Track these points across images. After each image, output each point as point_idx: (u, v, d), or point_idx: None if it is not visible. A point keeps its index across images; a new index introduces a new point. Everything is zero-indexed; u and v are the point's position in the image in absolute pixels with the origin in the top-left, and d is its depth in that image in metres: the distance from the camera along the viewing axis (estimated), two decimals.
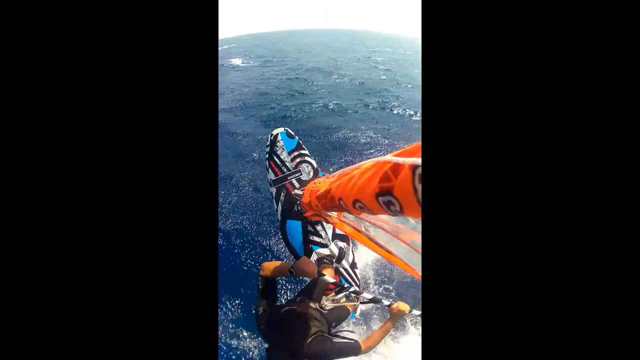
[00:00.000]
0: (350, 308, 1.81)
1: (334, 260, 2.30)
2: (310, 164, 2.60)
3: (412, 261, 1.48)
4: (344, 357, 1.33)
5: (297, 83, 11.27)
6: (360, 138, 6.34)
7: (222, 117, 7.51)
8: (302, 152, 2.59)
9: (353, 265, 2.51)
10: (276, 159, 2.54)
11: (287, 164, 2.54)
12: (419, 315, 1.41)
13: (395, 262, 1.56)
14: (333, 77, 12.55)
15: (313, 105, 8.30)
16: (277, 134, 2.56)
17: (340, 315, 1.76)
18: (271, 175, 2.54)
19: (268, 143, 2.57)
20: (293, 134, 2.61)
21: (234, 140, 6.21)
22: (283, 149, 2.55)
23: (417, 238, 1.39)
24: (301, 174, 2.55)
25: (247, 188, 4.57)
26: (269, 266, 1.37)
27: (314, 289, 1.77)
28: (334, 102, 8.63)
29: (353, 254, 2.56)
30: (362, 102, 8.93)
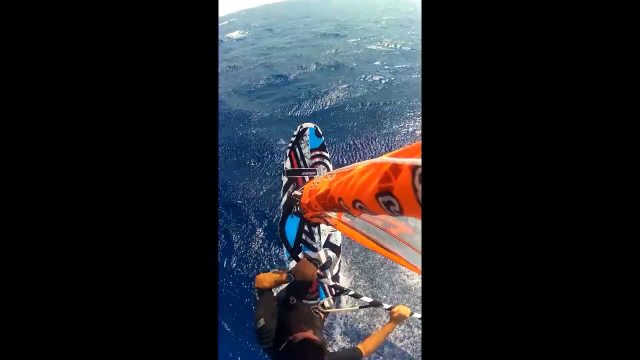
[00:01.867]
0: (321, 314, 1.72)
1: (319, 267, 2.20)
2: (327, 167, 2.53)
3: (414, 259, 1.42)
4: None
5: (305, 52, 9.74)
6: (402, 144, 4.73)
7: (225, 108, 6.08)
8: (324, 153, 2.53)
9: (335, 279, 2.49)
10: (297, 152, 2.51)
11: (306, 159, 2.52)
12: (419, 319, 1.40)
13: (398, 260, 1.55)
14: (350, 40, 10.80)
15: (332, 94, 6.25)
16: (307, 129, 2.51)
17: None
18: (287, 165, 2.52)
19: (295, 133, 2.51)
20: (321, 133, 2.54)
21: (241, 144, 4.88)
22: (307, 144, 2.51)
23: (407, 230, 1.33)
24: (316, 174, 2.48)
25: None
26: (264, 277, 1.38)
27: (301, 287, 1.72)
28: (361, 77, 6.96)
29: (339, 266, 2.55)
30: (392, 75, 7.23)
